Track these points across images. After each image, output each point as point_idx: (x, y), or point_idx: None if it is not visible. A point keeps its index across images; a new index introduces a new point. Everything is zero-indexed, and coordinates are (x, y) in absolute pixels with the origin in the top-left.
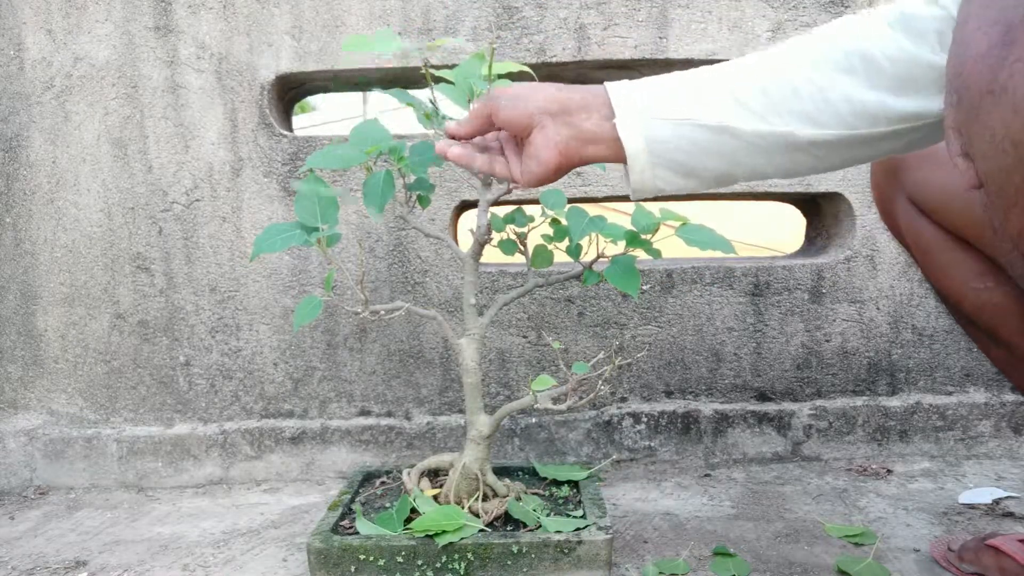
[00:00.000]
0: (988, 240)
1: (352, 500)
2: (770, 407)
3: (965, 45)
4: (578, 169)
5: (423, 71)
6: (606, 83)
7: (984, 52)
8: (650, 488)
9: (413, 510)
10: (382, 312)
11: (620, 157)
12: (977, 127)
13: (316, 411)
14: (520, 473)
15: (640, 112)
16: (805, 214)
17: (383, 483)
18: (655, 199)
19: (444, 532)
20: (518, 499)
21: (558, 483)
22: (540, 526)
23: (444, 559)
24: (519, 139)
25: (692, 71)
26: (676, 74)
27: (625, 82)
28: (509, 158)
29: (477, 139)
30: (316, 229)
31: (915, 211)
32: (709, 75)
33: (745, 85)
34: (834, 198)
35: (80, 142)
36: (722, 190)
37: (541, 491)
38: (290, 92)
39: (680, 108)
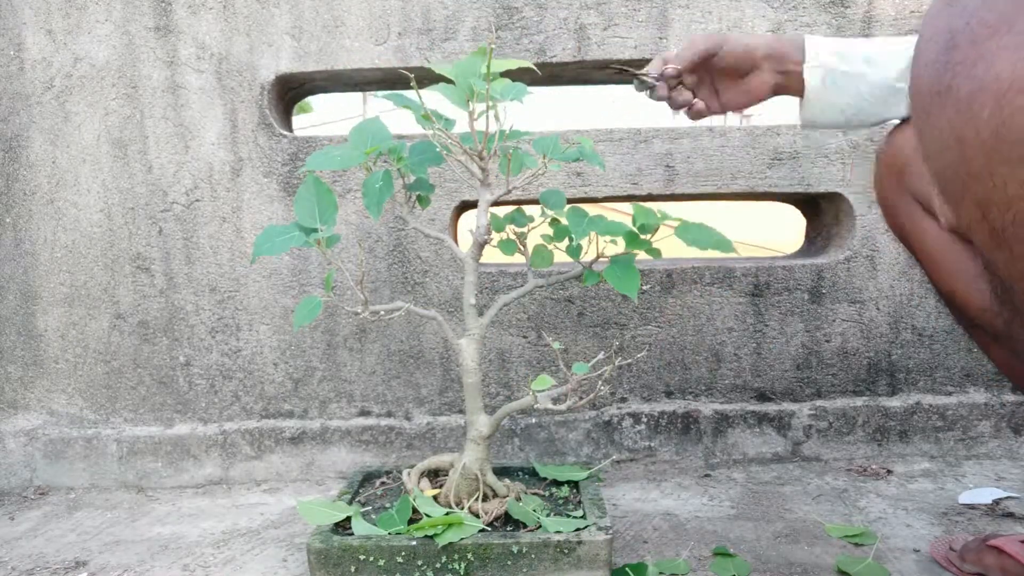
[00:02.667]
0: None
1: (352, 500)
2: (770, 407)
3: (919, 54)
4: (578, 169)
5: (412, 85)
6: (806, 37)
7: (932, 59)
8: (650, 488)
9: (415, 510)
10: (382, 312)
11: (802, 92)
12: (928, 127)
13: (316, 411)
14: (520, 473)
15: (822, 64)
16: (805, 214)
17: (383, 483)
18: (660, 202)
19: (444, 532)
20: (518, 499)
21: (558, 483)
22: (540, 526)
23: (444, 559)
24: (734, 76)
25: (855, 41)
26: (848, 40)
27: (817, 38)
28: (704, 94)
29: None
30: (315, 230)
31: (920, 211)
32: (875, 43)
33: (887, 52)
34: (834, 198)
35: (80, 142)
36: (723, 190)
37: (541, 491)
38: (290, 92)
39: (852, 64)
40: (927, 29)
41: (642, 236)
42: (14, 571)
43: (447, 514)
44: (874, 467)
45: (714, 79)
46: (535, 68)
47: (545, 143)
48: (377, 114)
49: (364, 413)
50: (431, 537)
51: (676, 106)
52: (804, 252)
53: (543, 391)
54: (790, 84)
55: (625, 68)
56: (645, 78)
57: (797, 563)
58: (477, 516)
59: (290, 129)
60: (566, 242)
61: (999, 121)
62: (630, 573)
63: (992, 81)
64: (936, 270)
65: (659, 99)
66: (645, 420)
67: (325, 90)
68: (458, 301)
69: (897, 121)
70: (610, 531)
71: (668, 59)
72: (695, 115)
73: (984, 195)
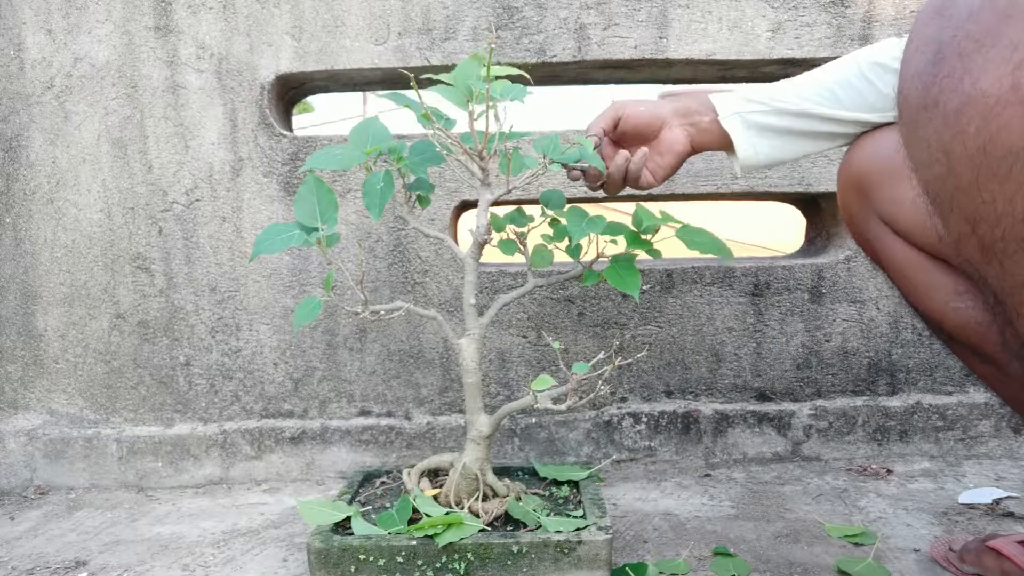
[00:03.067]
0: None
1: (352, 500)
2: (770, 407)
3: (907, 64)
4: None
5: (413, 85)
6: (709, 93)
7: (920, 70)
8: (650, 488)
9: (415, 510)
10: (382, 312)
11: (725, 143)
12: (915, 139)
13: (316, 411)
14: (520, 473)
15: (737, 111)
16: (805, 214)
17: (383, 483)
18: (660, 201)
19: (443, 532)
20: (518, 499)
21: (558, 483)
22: (540, 526)
23: (444, 559)
24: (640, 141)
25: (764, 85)
26: (755, 85)
27: (724, 91)
28: (618, 154)
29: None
30: (316, 229)
31: (887, 231)
32: (776, 85)
33: (804, 87)
34: (834, 198)
35: (80, 142)
36: (723, 190)
37: (541, 491)
38: (290, 92)
39: (764, 102)
40: (915, 39)
41: (643, 236)
42: (14, 571)
43: (447, 514)
44: (874, 467)
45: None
46: (527, 77)
47: (545, 143)
48: (377, 114)
49: (364, 413)
50: (431, 537)
51: (616, 172)
52: (804, 252)
53: (543, 391)
54: (707, 139)
55: (564, 165)
56: (575, 164)
57: (797, 563)
58: (477, 516)
59: (290, 129)
60: (566, 242)
61: (986, 136)
62: (630, 573)
63: (979, 96)
64: (908, 288)
65: (593, 179)
66: (645, 420)
67: (325, 90)
68: (458, 301)
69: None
70: (610, 531)
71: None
72: (636, 178)
73: (973, 209)
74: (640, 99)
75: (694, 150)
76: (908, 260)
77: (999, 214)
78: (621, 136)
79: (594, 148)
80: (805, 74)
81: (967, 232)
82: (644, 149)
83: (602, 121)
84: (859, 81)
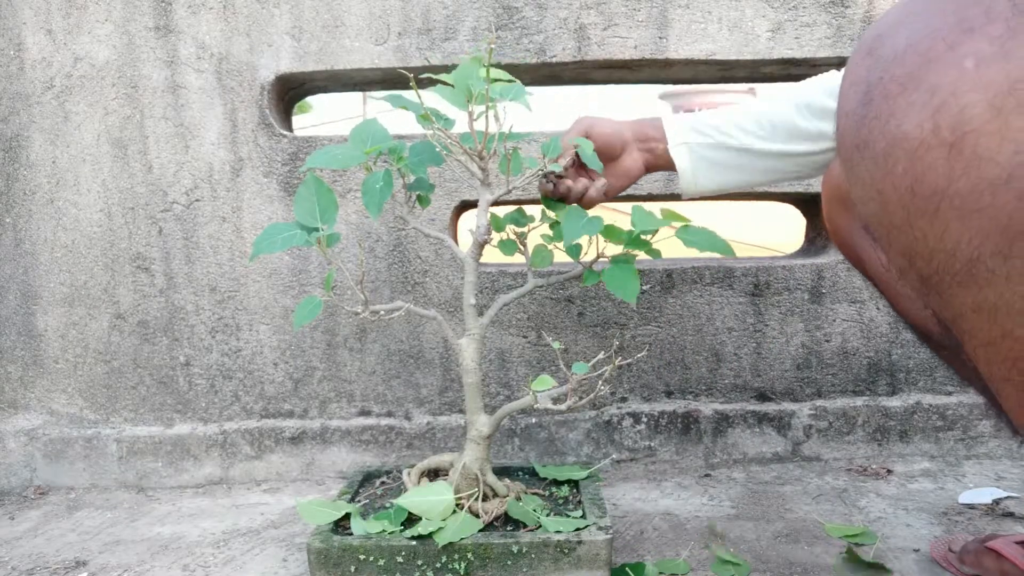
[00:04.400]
0: None
1: (352, 500)
2: (770, 407)
3: (842, 101)
4: None
5: (412, 85)
6: (663, 119)
7: (852, 110)
8: (650, 488)
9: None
10: (382, 312)
11: (673, 168)
12: (852, 177)
13: (316, 411)
14: (520, 473)
15: (686, 142)
16: (805, 214)
17: (383, 483)
18: (660, 201)
19: (443, 531)
20: (518, 499)
21: (558, 483)
22: (540, 526)
23: (444, 559)
24: (601, 158)
25: (713, 113)
26: (706, 113)
27: (677, 118)
28: (579, 181)
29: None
30: (316, 229)
31: (870, 241)
32: (722, 117)
33: (746, 122)
34: None
35: (80, 142)
36: None
37: (541, 491)
38: (290, 92)
39: (713, 136)
40: (848, 77)
41: (642, 236)
42: (14, 571)
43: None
44: (874, 467)
45: (588, 168)
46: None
47: (546, 146)
48: (377, 114)
49: (364, 413)
50: (431, 536)
51: (575, 196)
52: (804, 252)
53: (543, 391)
54: (661, 163)
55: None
56: (548, 175)
57: (797, 563)
58: (477, 516)
59: (290, 129)
60: None
61: (913, 177)
62: (630, 573)
63: (903, 138)
64: (891, 297)
65: (561, 194)
66: (645, 420)
67: (325, 90)
68: (458, 301)
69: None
70: (610, 531)
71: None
72: (591, 202)
73: (908, 245)
74: (605, 118)
75: (647, 172)
76: (888, 272)
77: (932, 249)
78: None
79: (568, 166)
80: (750, 104)
81: (906, 266)
82: (603, 181)
83: (572, 136)
84: (796, 117)
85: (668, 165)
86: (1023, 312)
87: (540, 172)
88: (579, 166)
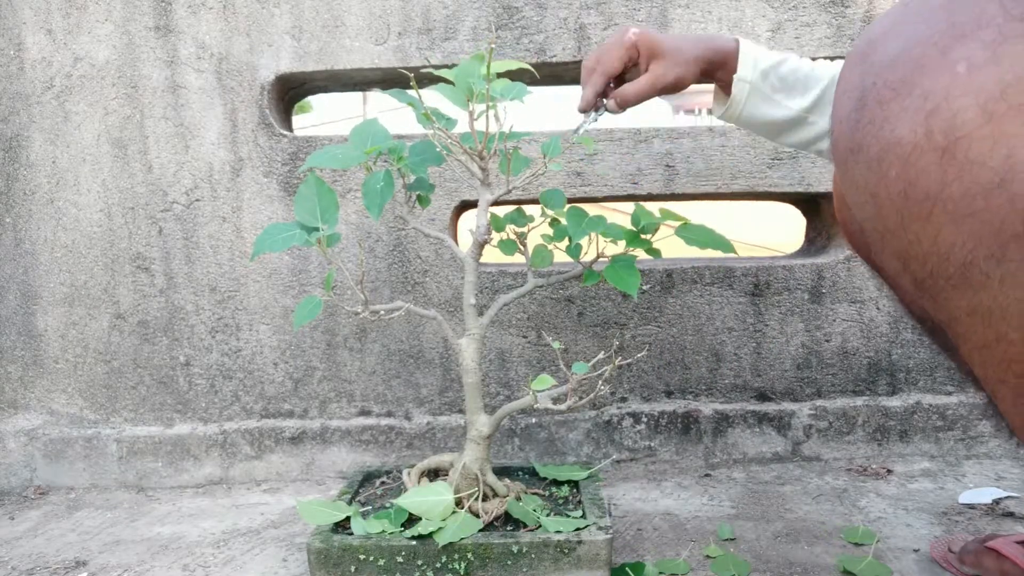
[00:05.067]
0: None
1: (352, 500)
2: (770, 407)
3: (837, 105)
4: (578, 169)
5: (412, 85)
6: (739, 46)
7: (846, 115)
8: (650, 488)
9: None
10: (382, 312)
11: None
12: (846, 181)
13: (316, 411)
14: (520, 473)
15: (749, 79)
16: (805, 214)
17: (383, 483)
18: (660, 201)
19: (443, 531)
20: (518, 499)
21: (558, 483)
22: (540, 526)
23: (444, 559)
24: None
25: (773, 53)
26: (772, 53)
27: (748, 49)
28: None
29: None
30: (316, 229)
31: None
32: (790, 64)
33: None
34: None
35: (80, 142)
36: (723, 190)
37: (541, 491)
38: (290, 92)
39: (775, 84)
40: (843, 82)
41: (642, 236)
42: (14, 571)
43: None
44: (874, 467)
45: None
46: (532, 69)
47: (546, 145)
48: (377, 114)
49: (364, 413)
50: (431, 536)
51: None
52: (804, 252)
53: (543, 391)
54: (717, 84)
55: (584, 112)
56: (600, 107)
57: (797, 563)
58: (477, 516)
59: (290, 129)
60: (566, 242)
61: (906, 182)
62: (630, 573)
63: (896, 143)
64: (898, 292)
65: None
66: (645, 420)
67: (325, 90)
68: (458, 301)
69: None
70: (610, 531)
71: (597, 75)
72: (623, 103)
73: (902, 249)
74: (658, 34)
75: (698, 82)
76: None
77: (925, 253)
78: (629, 60)
79: (599, 108)
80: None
81: (900, 269)
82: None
83: (614, 61)
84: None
85: (719, 90)
86: (1017, 315)
87: (540, 172)
88: (618, 79)
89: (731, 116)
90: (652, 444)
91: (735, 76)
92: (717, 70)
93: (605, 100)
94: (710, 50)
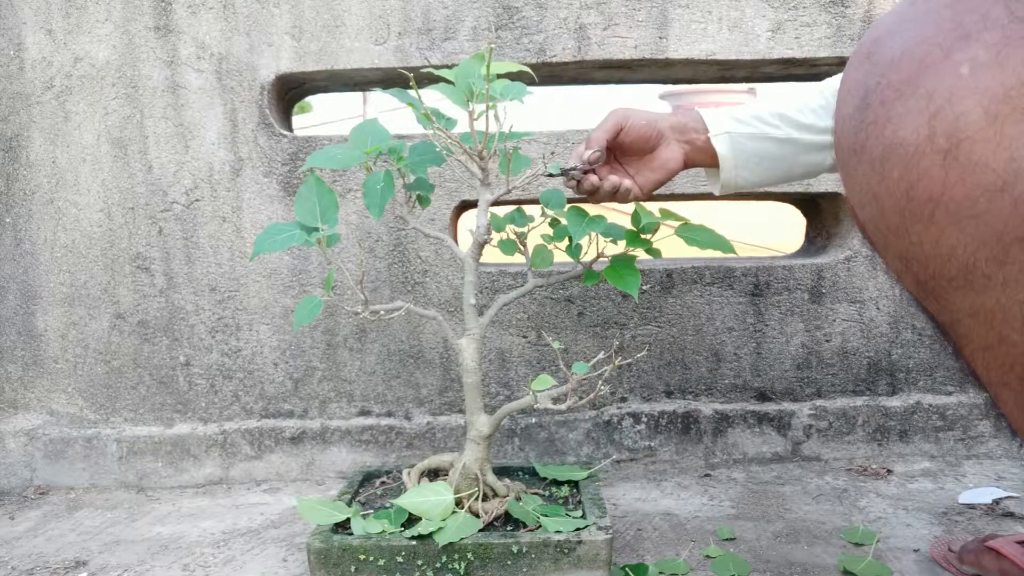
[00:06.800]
0: None
1: (352, 500)
2: (770, 407)
3: (840, 106)
4: None
5: (412, 85)
6: (700, 111)
7: (849, 115)
8: (650, 488)
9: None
10: (382, 312)
11: (714, 163)
12: (850, 182)
13: (316, 411)
14: (520, 473)
15: (727, 131)
16: (805, 214)
17: (383, 483)
18: (659, 202)
19: (443, 531)
20: (518, 499)
21: (558, 483)
22: (540, 526)
23: (444, 559)
24: (637, 152)
25: (754, 102)
26: (747, 104)
27: (714, 110)
28: (608, 178)
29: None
30: (316, 229)
31: None
32: (766, 105)
33: (789, 110)
34: (834, 198)
35: (80, 142)
36: None
37: (541, 491)
38: (290, 92)
39: (755, 126)
40: (846, 82)
41: (642, 236)
42: (14, 571)
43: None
44: (874, 467)
45: (622, 162)
46: (531, 72)
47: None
48: (377, 114)
49: (364, 413)
50: (431, 536)
51: (605, 193)
52: (804, 252)
53: (543, 391)
54: (701, 157)
55: (564, 172)
56: (572, 172)
57: (797, 563)
58: (477, 516)
59: (290, 129)
60: (566, 242)
61: (908, 183)
62: (630, 573)
63: (899, 144)
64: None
65: (586, 191)
66: (645, 420)
67: (325, 90)
68: (458, 301)
69: None
70: (610, 531)
71: (581, 151)
72: (625, 197)
73: (904, 250)
74: (639, 109)
75: (686, 167)
76: None
77: (927, 255)
78: (619, 146)
79: (594, 161)
80: (791, 92)
81: (902, 270)
82: (629, 183)
83: (605, 131)
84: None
85: (708, 157)
86: (1019, 317)
87: (540, 173)
88: (612, 161)
89: (728, 179)
90: (652, 444)
91: (708, 135)
92: (691, 132)
93: (579, 164)
94: (675, 122)
